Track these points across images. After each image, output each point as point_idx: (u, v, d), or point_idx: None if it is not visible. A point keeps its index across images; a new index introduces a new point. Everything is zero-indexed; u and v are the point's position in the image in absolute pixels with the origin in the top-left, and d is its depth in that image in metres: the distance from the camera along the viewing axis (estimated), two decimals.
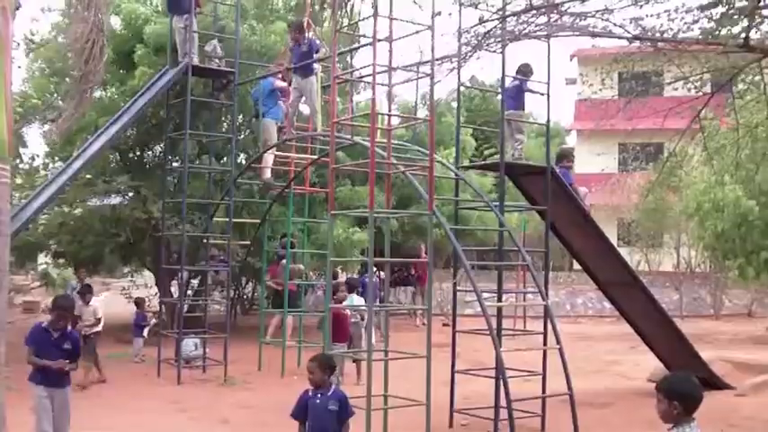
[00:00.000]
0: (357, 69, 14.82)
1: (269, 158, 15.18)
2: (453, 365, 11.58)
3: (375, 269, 15.08)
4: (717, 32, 9.32)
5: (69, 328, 8.81)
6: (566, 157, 13.62)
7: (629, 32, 9.56)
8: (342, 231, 18.96)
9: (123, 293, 22.82)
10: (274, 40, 18.58)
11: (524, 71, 12.01)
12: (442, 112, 23.05)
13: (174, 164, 18.52)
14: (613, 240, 17.82)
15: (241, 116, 19.94)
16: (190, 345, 15.80)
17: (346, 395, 7.05)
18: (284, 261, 16.61)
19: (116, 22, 19.43)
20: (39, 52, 20.07)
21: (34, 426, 8.52)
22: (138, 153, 20.75)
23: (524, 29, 9.57)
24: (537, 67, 12.00)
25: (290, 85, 14.87)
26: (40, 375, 8.53)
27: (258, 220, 16.93)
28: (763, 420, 11.31)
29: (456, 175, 12.05)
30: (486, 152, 36.42)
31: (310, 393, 6.86)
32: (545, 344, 11.11)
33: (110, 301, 26.21)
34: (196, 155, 19.01)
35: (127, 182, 18.49)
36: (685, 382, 4.91)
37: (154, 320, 18.34)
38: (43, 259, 24.32)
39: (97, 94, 16.72)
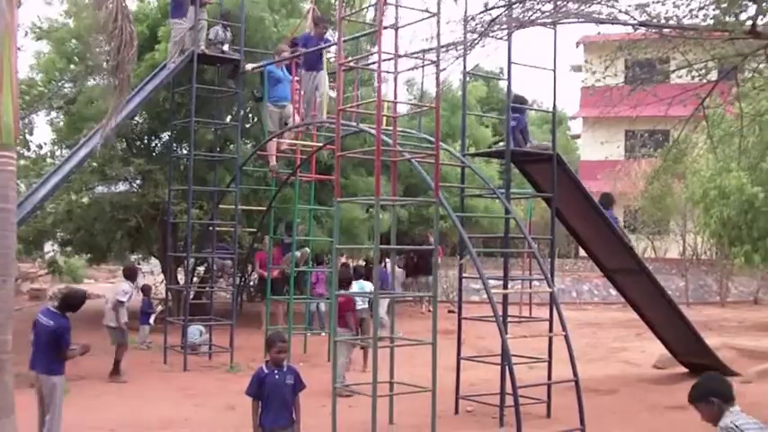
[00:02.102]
0: (362, 56, 14.78)
1: (272, 146, 15.21)
2: (459, 352, 11.63)
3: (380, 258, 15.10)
4: (723, 19, 9.29)
5: None
6: (609, 201, 13.72)
7: (634, 19, 9.54)
8: (359, 213, 18.99)
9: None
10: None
11: (519, 102, 11.87)
12: (457, 104, 22.76)
13: (183, 151, 18.58)
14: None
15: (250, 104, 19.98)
16: (194, 332, 15.86)
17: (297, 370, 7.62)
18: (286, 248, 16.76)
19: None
20: (49, 35, 20.04)
21: (55, 413, 8.57)
22: (145, 141, 20.77)
23: (530, 16, 9.55)
24: (543, 54, 11.96)
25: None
26: (64, 364, 8.75)
27: (264, 208, 16.95)
28: None
29: (462, 162, 12.04)
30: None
31: (266, 371, 7.34)
32: (551, 330, 11.13)
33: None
34: (213, 142, 19.00)
35: (143, 165, 18.50)
36: (708, 380, 5.07)
37: (160, 308, 18.39)
38: (50, 247, 24.37)
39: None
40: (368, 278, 14.94)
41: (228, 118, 18.85)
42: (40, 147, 20.50)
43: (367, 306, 13.83)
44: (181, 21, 15.42)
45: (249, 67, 15.65)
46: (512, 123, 11.68)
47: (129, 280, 14.55)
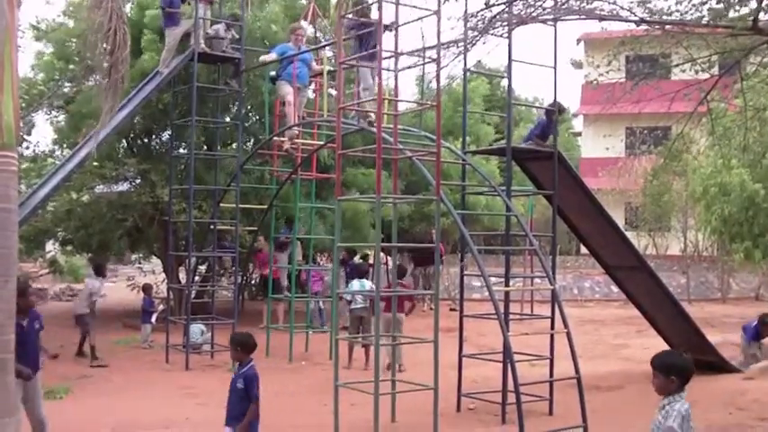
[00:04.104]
0: (362, 54, 14.72)
1: (290, 110, 14.91)
2: (461, 350, 11.61)
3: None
4: (725, 14, 9.28)
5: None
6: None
7: (636, 15, 9.53)
8: (363, 206, 18.99)
9: (129, 285, 22.80)
10: (270, 26, 18.52)
11: (559, 109, 11.94)
12: (458, 99, 22.67)
13: (182, 150, 18.53)
14: (620, 224, 17.81)
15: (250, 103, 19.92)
16: (195, 331, 15.83)
17: (255, 375, 7.31)
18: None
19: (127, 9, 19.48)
20: (47, 35, 20.04)
21: None
22: (145, 140, 20.75)
23: (531, 12, 9.54)
24: (544, 51, 11.94)
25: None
26: None
27: (263, 206, 16.92)
28: None
29: (463, 160, 12.01)
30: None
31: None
32: (552, 328, 11.11)
33: (117, 287, 26.38)
34: (203, 141, 18.95)
35: (136, 165, 18.47)
36: (680, 359, 5.33)
37: (162, 306, 18.36)
38: (51, 246, 24.36)
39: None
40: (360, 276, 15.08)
41: (228, 118, 18.84)
42: (36, 144, 20.59)
43: (367, 304, 13.87)
44: (174, 27, 15.36)
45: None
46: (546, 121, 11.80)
47: (99, 275, 14.72)
